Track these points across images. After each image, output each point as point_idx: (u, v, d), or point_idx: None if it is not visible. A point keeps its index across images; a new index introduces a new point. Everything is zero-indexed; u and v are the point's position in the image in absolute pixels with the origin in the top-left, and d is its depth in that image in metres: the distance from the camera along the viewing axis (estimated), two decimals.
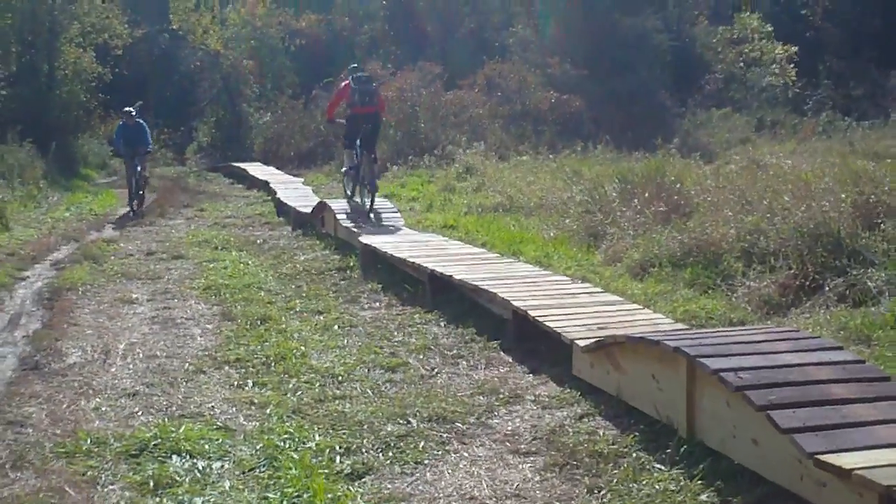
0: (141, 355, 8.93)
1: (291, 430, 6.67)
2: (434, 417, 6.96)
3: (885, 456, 4.80)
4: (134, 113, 21.23)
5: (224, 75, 39.74)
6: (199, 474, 5.96)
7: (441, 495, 5.67)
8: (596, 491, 5.61)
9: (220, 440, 6.55)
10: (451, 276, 10.44)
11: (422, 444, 6.45)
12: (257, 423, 6.94)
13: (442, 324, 9.83)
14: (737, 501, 5.29)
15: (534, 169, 22.51)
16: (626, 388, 6.89)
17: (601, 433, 6.48)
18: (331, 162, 29.69)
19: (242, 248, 15.59)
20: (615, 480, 5.70)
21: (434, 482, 5.86)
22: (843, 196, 10.88)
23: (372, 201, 16.53)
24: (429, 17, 42.29)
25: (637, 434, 6.35)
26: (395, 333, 9.59)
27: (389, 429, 6.74)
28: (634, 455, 6.05)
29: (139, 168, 20.80)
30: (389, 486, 5.81)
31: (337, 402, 7.41)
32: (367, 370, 8.30)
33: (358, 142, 16.87)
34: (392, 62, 36.86)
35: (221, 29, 38.58)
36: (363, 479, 5.89)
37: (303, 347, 9.00)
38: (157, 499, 5.63)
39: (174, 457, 6.23)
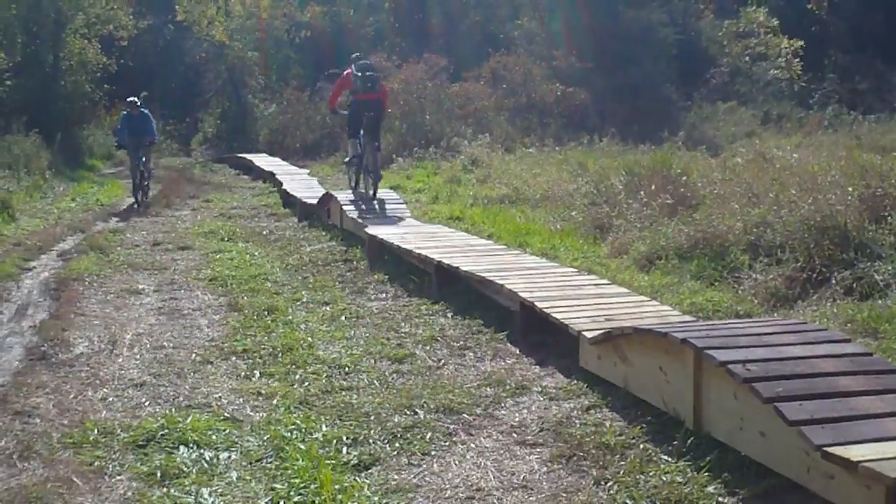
0: (148, 346, 8.95)
1: (298, 421, 6.67)
2: (441, 409, 6.96)
3: (892, 448, 4.80)
4: (139, 103, 21.08)
5: (229, 67, 39.67)
6: (206, 465, 5.97)
7: (448, 486, 5.67)
8: (603, 482, 5.61)
9: (228, 431, 6.56)
10: (457, 267, 10.44)
11: (429, 435, 6.46)
12: (264, 414, 6.95)
13: (448, 315, 9.83)
14: (744, 493, 5.29)
15: (539, 161, 22.50)
16: (633, 380, 6.89)
17: (608, 425, 6.48)
18: (336, 153, 29.70)
19: (249, 239, 15.59)
20: (622, 472, 5.70)
21: (441, 473, 5.87)
22: (850, 189, 10.88)
23: (375, 189, 16.51)
24: (434, 10, 42.21)
25: (644, 426, 6.36)
26: (402, 324, 9.59)
27: (396, 420, 6.75)
28: (641, 447, 6.05)
29: (144, 159, 20.65)
30: (396, 477, 5.81)
31: (344, 393, 7.42)
32: (373, 361, 8.31)
33: (361, 131, 16.83)
34: (397, 54, 36.76)
35: (226, 20, 38.48)
36: (370, 470, 5.90)
37: (309, 338, 9.02)
38: (165, 489, 5.63)
39: (181, 447, 6.24)
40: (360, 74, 16.40)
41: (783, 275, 9.90)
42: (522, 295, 8.89)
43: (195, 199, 21.70)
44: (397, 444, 6.30)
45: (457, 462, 6.03)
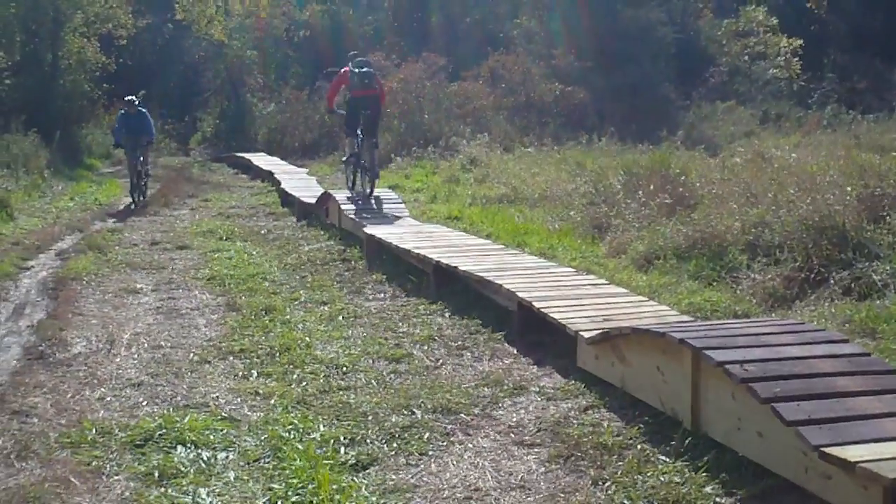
0: (146, 345, 8.95)
1: (296, 421, 6.67)
2: (439, 409, 6.96)
3: (890, 449, 4.80)
4: (136, 102, 20.98)
5: (228, 66, 39.68)
6: (203, 465, 5.97)
7: (446, 486, 5.67)
8: (601, 483, 5.61)
9: (225, 431, 6.56)
10: (455, 267, 10.43)
11: (426, 435, 6.46)
12: (262, 414, 6.95)
13: (446, 315, 9.83)
14: (741, 494, 5.29)
15: (538, 160, 22.52)
16: (630, 380, 6.89)
17: (606, 425, 6.48)
18: (334, 152, 29.68)
19: (247, 238, 15.60)
20: (620, 472, 5.70)
21: (439, 473, 5.87)
22: (849, 189, 10.88)
23: (372, 188, 16.52)
24: (433, 9, 42.23)
25: (642, 426, 6.36)
26: (400, 324, 9.59)
27: (394, 420, 6.74)
28: (639, 447, 6.05)
29: (141, 158, 20.58)
30: (394, 477, 5.81)
31: (342, 392, 7.42)
32: (371, 361, 8.31)
33: (359, 130, 16.82)
34: (396, 53, 36.76)
35: (225, 19, 38.48)
36: (368, 470, 5.90)
37: (307, 338, 9.02)
38: (162, 489, 5.63)
39: (179, 447, 6.24)
40: (356, 71, 16.42)
41: (781, 275, 9.90)
42: (520, 295, 8.89)
43: (193, 199, 21.69)
44: (395, 444, 6.29)
45: (454, 462, 6.03)
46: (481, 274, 9.92)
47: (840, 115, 30.67)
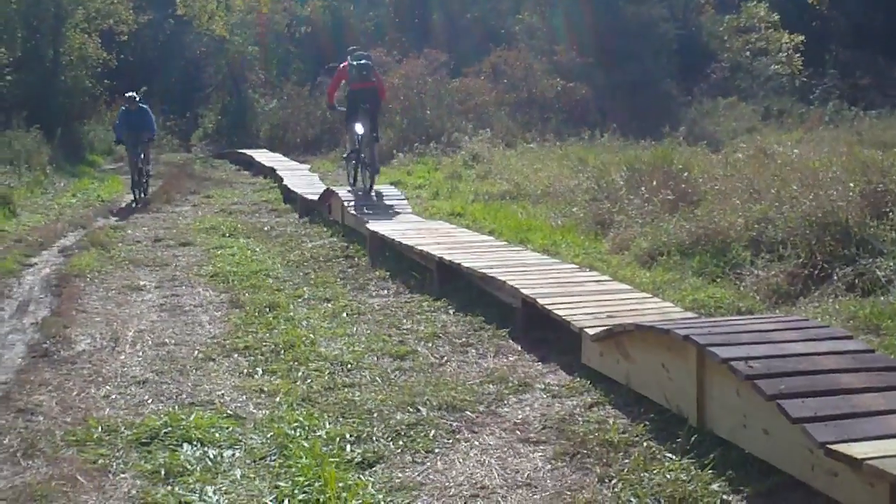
0: (150, 343, 8.95)
1: (301, 419, 6.67)
2: (444, 406, 6.96)
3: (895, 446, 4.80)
4: (137, 98, 20.90)
5: (229, 61, 39.67)
6: (209, 463, 5.97)
7: (452, 484, 5.67)
8: (606, 480, 5.61)
9: (231, 428, 6.56)
10: (459, 263, 10.44)
11: (432, 432, 6.46)
12: (267, 412, 6.95)
13: (450, 312, 9.84)
14: (748, 491, 5.30)
15: (540, 157, 22.52)
16: (635, 377, 6.89)
17: (611, 422, 6.48)
18: (336, 148, 29.69)
19: (250, 234, 15.60)
20: (625, 469, 5.70)
21: (444, 471, 5.87)
22: (852, 185, 10.87)
23: (371, 183, 16.54)
24: (435, 4, 42.20)
25: (647, 423, 6.36)
26: (404, 321, 9.60)
27: (399, 417, 6.74)
28: (645, 444, 6.05)
29: (142, 155, 20.46)
30: (400, 474, 5.81)
31: (346, 390, 7.42)
32: (375, 358, 8.31)
33: (358, 125, 16.81)
34: (398, 49, 36.74)
35: (227, 14, 38.46)
36: (374, 468, 5.89)
37: (311, 335, 9.02)
38: (169, 487, 5.63)
39: (185, 445, 6.23)
40: (354, 64, 16.46)
41: (785, 271, 9.90)
42: (524, 291, 8.89)
43: (196, 195, 21.70)
44: (401, 442, 6.29)
45: (460, 460, 6.03)
46: (485, 270, 9.92)
47: (842, 112, 30.70)
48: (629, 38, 35.04)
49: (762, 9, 38.96)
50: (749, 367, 5.56)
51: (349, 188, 17.10)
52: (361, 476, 5.72)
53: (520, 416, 6.80)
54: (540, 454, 6.08)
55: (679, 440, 5.94)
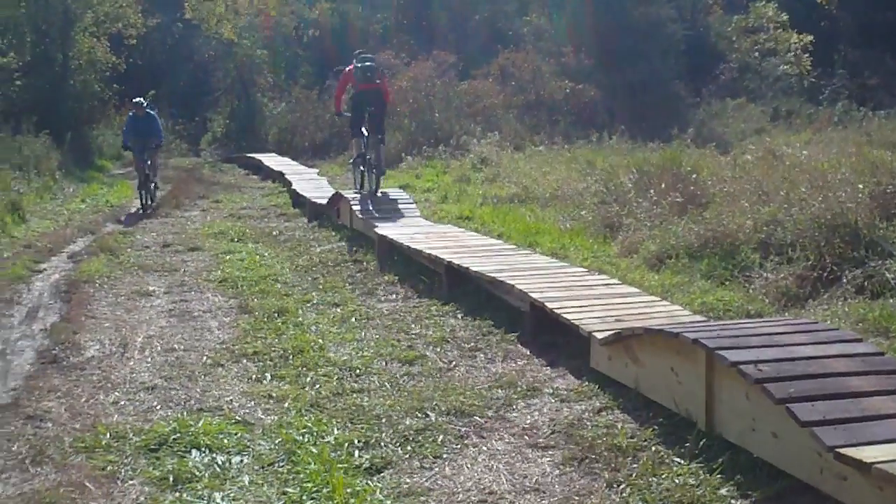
0: (159, 348, 8.96)
1: (310, 424, 6.67)
2: (452, 411, 6.96)
3: None
4: (144, 104, 20.82)
5: (238, 65, 39.70)
6: (218, 469, 5.97)
7: (460, 489, 5.67)
8: (615, 485, 5.61)
9: (239, 434, 6.56)
10: (467, 267, 10.43)
11: (440, 437, 6.46)
12: (276, 417, 6.95)
13: (459, 316, 9.83)
14: (756, 495, 5.29)
15: (549, 159, 22.50)
16: (644, 381, 6.88)
17: (620, 426, 6.47)
18: (345, 152, 29.56)
19: (258, 239, 15.61)
20: (634, 474, 5.70)
21: (453, 476, 5.87)
22: (861, 186, 10.86)
23: (377, 184, 16.53)
24: (442, 7, 42.19)
25: (656, 427, 6.35)
26: (413, 326, 9.59)
27: (408, 422, 6.74)
28: (653, 449, 6.04)
29: (149, 161, 20.22)
30: (408, 480, 5.81)
31: (355, 395, 7.42)
32: (384, 363, 8.31)
33: (364, 129, 16.82)
34: (406, 52, 36.76)
35: (235, 18, 38.50)
36: (382, 474, 5.90)
37: (320, 340, 9.02)
38: (177, 493, 5.64)
39: (193, 451, 6.24)
40: (359, 66, 16.49)
41: (794, 273, 9.89)
42: (533, 295, 8.89)
43: (204, 200, 21.70)
44: (409, 447, 6.29)
45: (469, 465, 6.03)
46: (493, 274, 9.92)
47: (851, 112, 30.61)
48: (637, 38, 35.01)
49: (770, 9, 38.89)
50: (758, 371, 5.55)
51: (356, 192, 17.09)
52: (370, 482, 5.72)
53: (528, 421, 6.79)
54: (548, 459, 6.08)
55: (688, 444, 5.93)
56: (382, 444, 6.35)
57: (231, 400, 7.41)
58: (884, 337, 7.98)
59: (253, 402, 7.33)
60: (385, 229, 13.40)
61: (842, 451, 4.82)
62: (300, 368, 8.15)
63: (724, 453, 5.71)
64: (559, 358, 8.21)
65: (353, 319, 9.92)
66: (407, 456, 6.17)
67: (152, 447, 6.34)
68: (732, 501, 5.29)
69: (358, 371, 8.05)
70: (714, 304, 9.38)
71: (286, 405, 7.20)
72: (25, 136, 25.81)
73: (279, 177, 24.40)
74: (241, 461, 6.12)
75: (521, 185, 18.59)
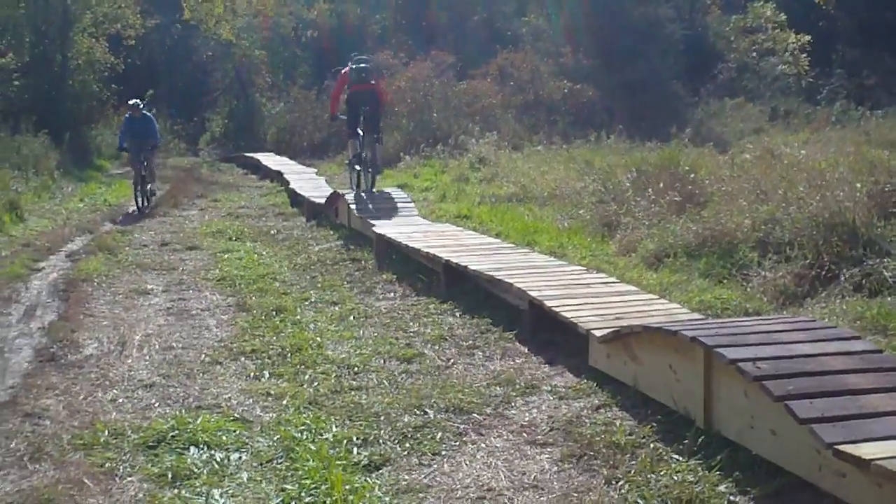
0: (157, 346, 8.95)
1: (308, 422, 6.67)
2: (450, 408, 6.96)
3: None
4: (141, 105, 20.68)
5: (236, 65, 39.75)
6: (216, 466, 5.97)
7: (459, 486, 5.67)
8: (613, 482, 5.60)
9: (238, 432, 6.55)
10: (465, 266, 10.43)
11: (439, 435, 6.45)
12: (274, 415, 6.95)
13: (457, 314, 9.83)
14: (755, 492, 5.28)
15: (547, 159, 22.51)
16: (642, 379, 6.88)
17: (618, 424, 6.47)
18: (343, 152, 29.57)
19: (257, 238, 15.61)
20: (633, 471, 5.69)
21: (451, 473, 5.86)
22: (859, 185, 10.86)
23: (373, 182, 16.60)
24: (441, 7, 42.21)
25: (654, 425, 6.35)
26: (411, 324, 9.59)
27: (406, 420, 6.74)
28: (652, 446, 6.04)
29: (145, 163, 20.02)
30: (407, 477, 5.80)
31: (353, 393, 7.41)
32: (382, 361, 8.31)
33: (359, 128, 16.85)
34: (404, 52, 36.79)
35: (233, 18, 38.52)
36: (380, 471, 5.89)
37: (318, 338, 9.02)
38: (176, 490, 5.63)
39: (192, 448, 6.24)
40: (353, 67, 16.56)
41: (792, 272, 9.89)
42: (531, 294, 8.88)
43: (203, 199, 21.71)
44: (407, 445, 6.29)
45: (467, 462, 6.02)
46: (491, 273, 9.92)
47: (849, 112, 30.64)
48: (635, 38, 35.04)
49: (769, 9, 38.91)
50: (757, 368, 5.55)
51: (353, 191, 17.10)
52: (368, 479, 5.72)
53: (527, 419, 6.79)
54: (547, 456, 6.08)
55: (686, 442, 5.92)
56: (381, 441, 6.34)
57: (229, 397, 7.41)
58: (882, 335, 7.98)
59: (251, 400, 7.33)
60: (383, 228, 13.41)
61: (840, 447, 4.82)
62: (298, 366, 8.15)
63: (722, 450, 5.70)
64: (557, 356, 8.20)
65: (352, 317, 9.92)
66: (405, 453, 6.16)
67: (151, 444, 6.33)
68: (731, 498, 5.29)
69: (356, 369, 8.05)
70: (712, 303, 9.38)
71: (284, 402, 7.19)
72: (24, 136, 25.85)
73: (277, 176, 24.41)
74: (240, 458, 6.11)
75: (520, 185, 18.59)
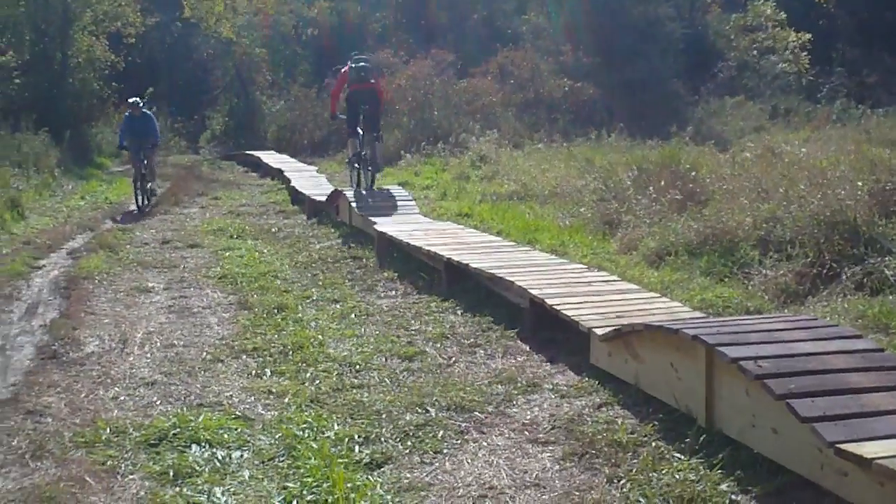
0: (158, 344, 8.95)
1: (310, 420, 6.67)
2: (452, 407, 6.96)
3: None
4: (141, 104, 20.61)
5: (237, 63, 39.74)
6: (218, 464, 5.97)
7: (460, 485, 5.67)
8: (615, 480, 5.60)
9: (239, 430, 6.55)
10: (467, 264, 10.43)
11: (440, 433, 6.45)
12: (276, 413, 6.95)
13: (458, 312, 9.83)
14: (757, 491, 5.28)
15: (548, 157, 22.52)
16: (644, 377, 6.88)
17: (620, 422, 6.47)
18: (343, 150, 29.53)
19: (258, 236, 15.60)
20: (634, 470, 5.69)
21: (453, 471, 5.86)
22: (860, 184, 10.86)
23: (372, 180, 16.64)
24: (441, 5, 42.20)
25: (656, 423, 6.35)
26: (412, 322, 9.59)
27: (408, 418, 6.74)
28: (653, 444, 6.04)
29: (145, 161, 19.90)
30: (409, 475, 5.80)
31: (355, 391, 7.41)
32: (384, 359, 8.30)
33: (359, 127, 16.88)
34: (405, 50, 36.79)
35: (233, 16, 38.51)
36: (382, 469, 5.89)
37: (320, 336, 9.01)
38: (177, 488, 5.64)
39: (193, 446, 6.24)
40: (353, 66, 16.60)
41: (793, 270, 9.89)
42: (532, 292, 8.88)
43: (204, 197, 21.70)
44: (409, 443, 6.29)
45: (469, 460, 6.02)
46: (493, 271, 9.92)
47: (849, 110, 30.62)
48: (635, 37, 35.05)
49: (769, 7, 38.87)
50: (758, 367, 5.55)
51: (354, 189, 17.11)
52: (370, 477, 5.72)
53: (528, 417, 6.79)
54: (548, 454, 6.08)
55: (688, 440, 5.93)
56: (383, 439, 6.35)
57: (231, 395, 7.41)
58: (883, 333, 7.98)
59: (253, 398, 7.33)
60: (384, 226, 13.41)
61: (842, 446, 4.82)
62: (300, 364, 8.15)
63: (724, 449, 5.70)
64: (559, 354, 8.20)
65: (353, 316, 9.91)
66: (407, 451, 6.16)
67: (152, 442, 6.34)
68: (733, 497, 5.28)
69: (358, 367, 8.05)
70: (713, 301, 9.38)
71: (286, 400, 7.20)
72: (25, 134, 25.87)
73: (278, 174, 24.41)
74: (242, 456, 6.12)
75: (520, 183, 18.60)
